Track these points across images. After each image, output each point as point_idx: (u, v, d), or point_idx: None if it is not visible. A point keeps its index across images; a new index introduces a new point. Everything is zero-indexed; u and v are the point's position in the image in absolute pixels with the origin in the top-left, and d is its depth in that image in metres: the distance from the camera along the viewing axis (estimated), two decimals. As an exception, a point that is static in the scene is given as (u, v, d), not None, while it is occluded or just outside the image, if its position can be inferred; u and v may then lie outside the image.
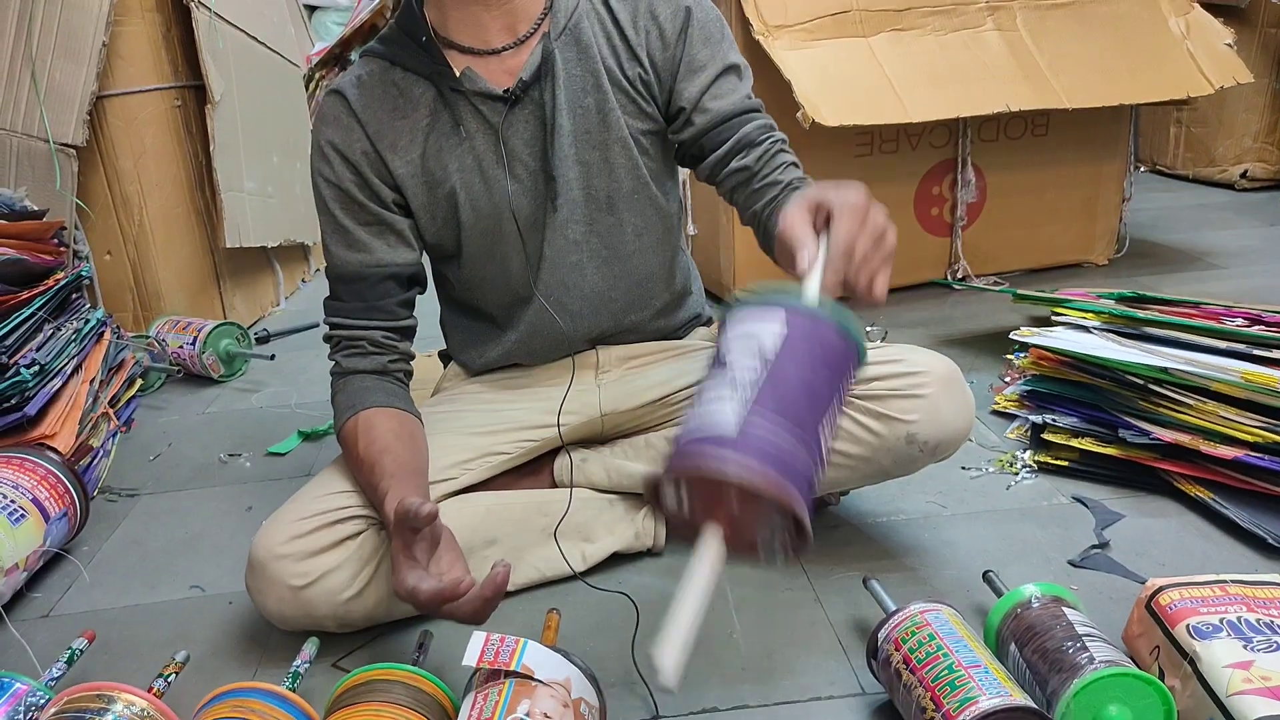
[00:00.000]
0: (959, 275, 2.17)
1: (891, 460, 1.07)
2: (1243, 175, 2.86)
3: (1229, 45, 2.06)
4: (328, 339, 1.12)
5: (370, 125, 1.07)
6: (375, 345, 1.10)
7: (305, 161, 1.17)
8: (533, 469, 1.23)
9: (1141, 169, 3.17)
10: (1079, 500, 1.25)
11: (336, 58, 3.21)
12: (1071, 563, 1.11)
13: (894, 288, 2.11)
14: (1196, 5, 2.11)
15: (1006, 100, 1.88)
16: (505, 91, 1.05)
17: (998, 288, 2.02)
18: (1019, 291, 1.68)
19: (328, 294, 1.11)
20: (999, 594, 0.96)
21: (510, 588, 1.11)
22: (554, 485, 1.23)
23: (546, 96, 1.06)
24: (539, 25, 1.07)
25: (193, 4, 1.98)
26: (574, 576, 1.12)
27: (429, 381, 1.35)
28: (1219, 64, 2.02)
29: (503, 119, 1.07)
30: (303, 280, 2.53)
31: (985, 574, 1.01)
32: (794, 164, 1.06)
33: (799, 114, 1.76)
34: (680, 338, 1.27)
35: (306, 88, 2.85)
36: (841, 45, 1.91)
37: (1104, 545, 1.14)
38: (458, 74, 1.05)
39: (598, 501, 1.19)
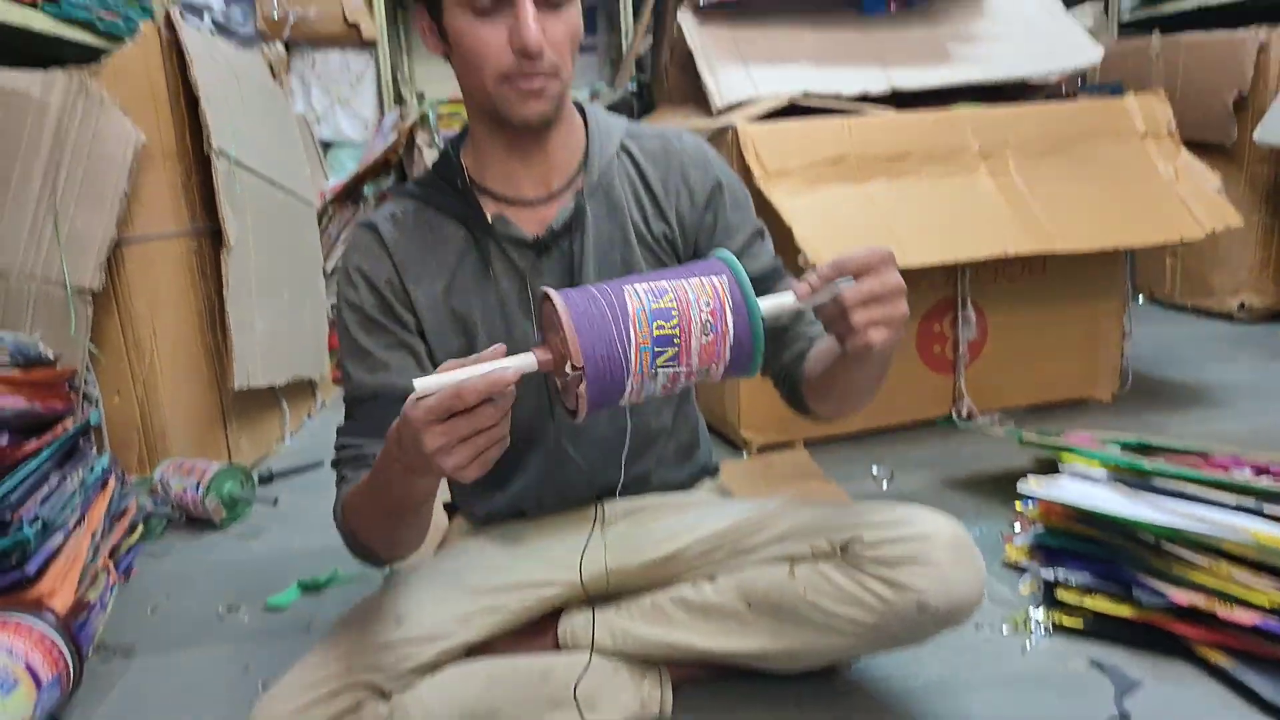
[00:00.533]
0: (964, 413, 2.17)
1: (902, 627, 1.05)
2: (1240, 307, 2.89)
3: (1217, 190, 2.11)
4: (335, 463, 1.10)
5: (398, 256, 1.09)
6: None
7: (315, 297, 1.18)
8: (535, 630, 1.21)
9: (1140, 299, 3.21)
10: (1096, 664, 1.21)
11: (350, 192, 3.32)
12: (1092, 736, 1.08)
13: (899, 426, 2.17)
14: (1184, 150, 2.17)
15: (1004, 245, 1.92)
16: (535, 239, 1.09)
17: (1003, 428, 2.02)
18: (1024, 436, 1.68)
19: (342, 421, 1.11)
20: (1018, 778, 0.92)
21: (511, 764, 1.08)
22: (557, 647, 1.20)
23: (575, 247, 1.09)
24: (572, 181, 1.11)
25: (213, 153, 2.04)
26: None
27: (435, 531, 1.34)
28: (1209, 207, 2.07)
29: (530, 265, 1.09)
30: (308, 415, 2.54)
31: (1003, 753, 0.98)
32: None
33: (800, 258, 1.80)
34: (687, 488, 1.27)
35: (319, 222, 2.93)
36: (839, 190, 1.96)
37: (1125, 717, 1.10)
38: (490, 218, 1.09)
39: (601, 666, 1.16)
